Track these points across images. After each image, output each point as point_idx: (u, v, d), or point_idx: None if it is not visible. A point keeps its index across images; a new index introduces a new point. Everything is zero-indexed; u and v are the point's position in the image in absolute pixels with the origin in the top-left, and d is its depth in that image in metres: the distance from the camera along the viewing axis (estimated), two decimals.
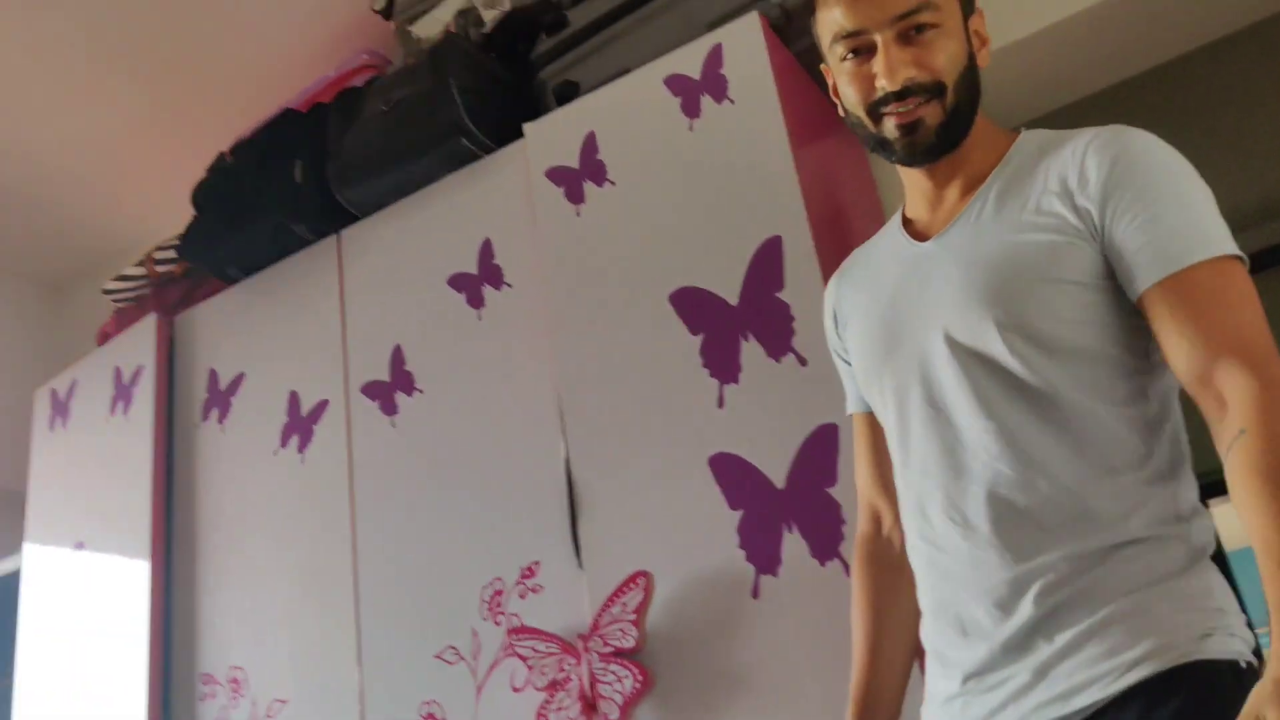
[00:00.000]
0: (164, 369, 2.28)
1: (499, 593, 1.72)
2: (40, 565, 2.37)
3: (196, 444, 2.22)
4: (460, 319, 1.91)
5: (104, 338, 2.57)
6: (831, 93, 1.25)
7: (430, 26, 2.15)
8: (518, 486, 1.76)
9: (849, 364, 1.32)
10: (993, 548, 1.06)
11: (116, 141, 2.77)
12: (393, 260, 2.04)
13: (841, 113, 1.24)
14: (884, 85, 1.15)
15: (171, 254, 2.47)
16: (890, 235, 1.29)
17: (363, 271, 2.08)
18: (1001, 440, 1.07)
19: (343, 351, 2.05)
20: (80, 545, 2.28)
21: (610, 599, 1.57)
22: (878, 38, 1.15)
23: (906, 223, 1.27)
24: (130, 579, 2.14)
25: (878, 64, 1.15)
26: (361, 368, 2.01)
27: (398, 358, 1.97)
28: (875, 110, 1.17)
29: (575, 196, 1.82)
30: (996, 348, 1.07)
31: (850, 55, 1.18)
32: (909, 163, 1.20)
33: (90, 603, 2.22)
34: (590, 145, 1.82)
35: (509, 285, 1.87)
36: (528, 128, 1.91)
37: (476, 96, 1.98)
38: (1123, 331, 1.08)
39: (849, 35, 1.17)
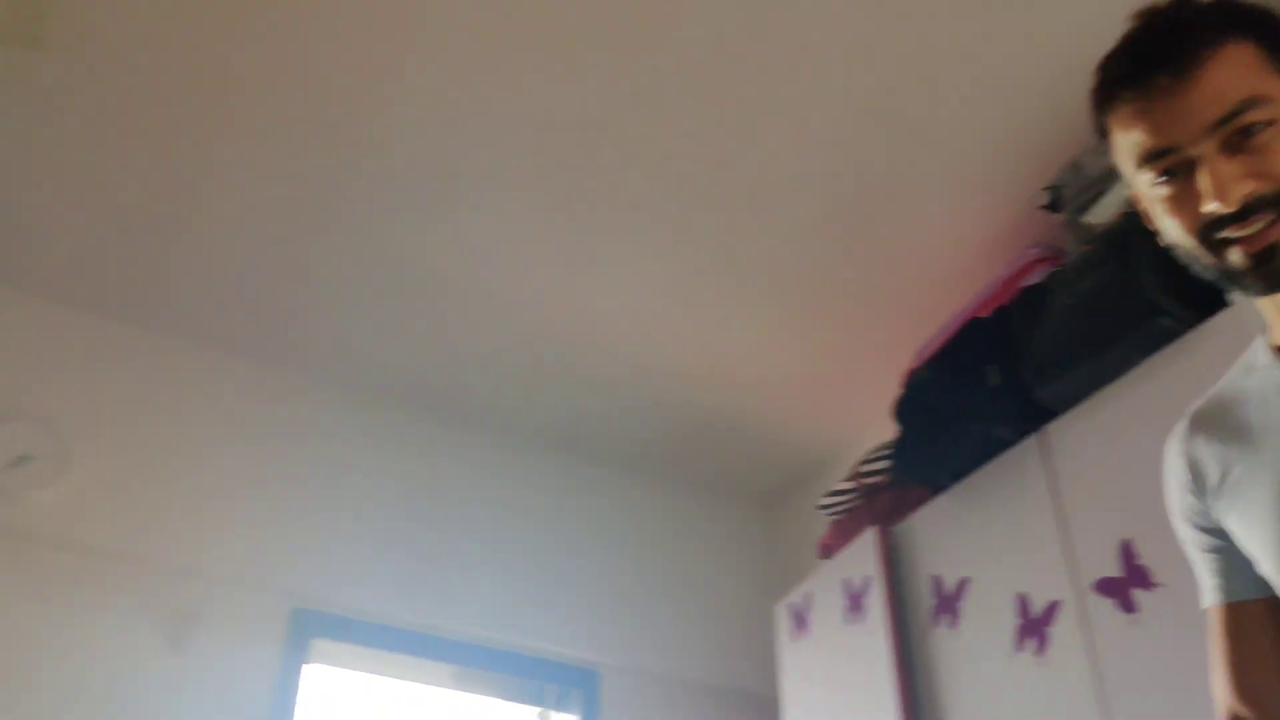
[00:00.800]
0: (889, 577, 2.43)
1: None
2: None
3: (930, 647, 2.31)
4: None
5: (824, 548, 2.81)
6: (1144, 221, 1.05)
7: (1102, 212, 2.15)
8: None
9: (1216, 538, 1.09)
10: None
11: (811, 367, 3.12)
12: (1104, 452, 2.01)
13: (1162, 245, 1.03)
14: (1215, 208, 0.93)
15: (875, 466, 2.66)
16: (1260, 370, 1.08)
17: (1074, 466, 2.07)
18: None
19: (1065, 549, 2.03)
20: None
21: None
22: (1195, 153, 0.94)
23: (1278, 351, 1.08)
24: None
25: (1203, 183, 0.94)
26: (1090, 565, 1.98)
27: (1128, 551, 1.91)
28: (1210, 238, 0.95)
29: None
30: None
31: (1164, 179, 0.97)
32: (1270, 293, 0.99)
33: None
34: None
35: None
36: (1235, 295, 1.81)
37: (1168, 273, 1.92)
38: None
39: (1158, 155, 0.96)
